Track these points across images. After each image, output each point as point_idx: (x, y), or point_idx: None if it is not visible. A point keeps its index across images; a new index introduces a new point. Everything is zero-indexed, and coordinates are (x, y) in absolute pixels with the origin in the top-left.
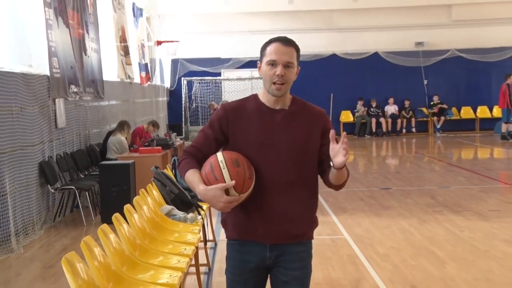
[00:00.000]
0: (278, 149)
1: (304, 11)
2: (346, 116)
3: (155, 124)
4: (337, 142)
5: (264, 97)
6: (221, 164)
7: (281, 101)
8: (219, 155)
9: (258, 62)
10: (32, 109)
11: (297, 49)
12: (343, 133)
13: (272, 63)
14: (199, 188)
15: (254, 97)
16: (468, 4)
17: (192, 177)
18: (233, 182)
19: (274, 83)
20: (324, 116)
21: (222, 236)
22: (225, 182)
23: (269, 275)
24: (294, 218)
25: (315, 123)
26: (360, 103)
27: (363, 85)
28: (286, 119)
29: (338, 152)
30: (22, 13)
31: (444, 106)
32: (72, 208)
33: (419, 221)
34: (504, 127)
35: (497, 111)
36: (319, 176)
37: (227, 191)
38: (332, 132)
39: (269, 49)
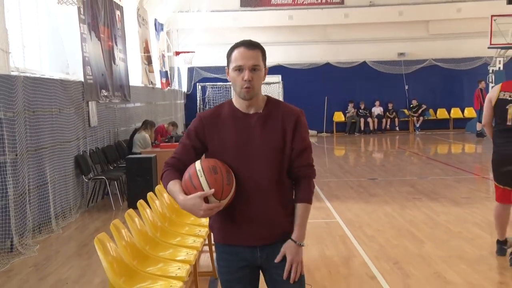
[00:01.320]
0: (255, 153)
1: (302, 26)
2: (338, 117)
3: (174, 125)
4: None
5: (237, 102)
6: (198, 173)
7: (254, 104)
8: (197, 163)
9: (226, 68)
10: (69, 110)
11: (262, 51)
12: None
13: (239, 68)
14: (179, 198)
15: (229, 102)
16: (443, 20)
17: (173, 187)
18: (212, 190)
19: (243, 87)
20: (296, 115)
21: None
22: (203, 190)
23: (262, 274)
24: (277, 217)
25: (288, 123)
26: (350, 105)
27: (353, 90)
28: (260, 122)
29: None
30: (61, 29)
31: (424, 106)
32: (103, 195)
33: (401, 206)
34: (479, 126)
35: (468, 113)
36: None
37: (206, 199)
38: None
39: (235, 54)
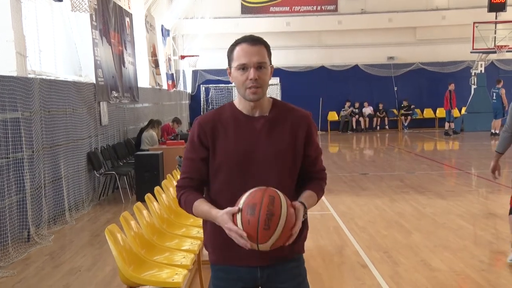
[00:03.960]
0: (260, 160)
1: (299, 32)
2: (332, 116)
3: (176, 121)
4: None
5: (240, 104)
6: (238, 206)
7: (259, 106)
8: (245, 196)
9: (227, 68)
10: (82, 110)
11: (266, 46)
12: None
13: (243, 67)
14: (212, 214)
15: (230, 105)
16: (429, 27)
17: (200, 210)
18: (244, 233)
19: (248, 88)
20: (308, 119)
21: None
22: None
23: None
24: None
25: (298, 128)
26: (347, 104)
27: (346, 91)
28: (267, 126)
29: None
30: (74, 34)
31: (413, 106)
32: (113, 189)
33: (390, 199)
34: (446, 125)
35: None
36: None
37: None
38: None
39: (237, 51)
